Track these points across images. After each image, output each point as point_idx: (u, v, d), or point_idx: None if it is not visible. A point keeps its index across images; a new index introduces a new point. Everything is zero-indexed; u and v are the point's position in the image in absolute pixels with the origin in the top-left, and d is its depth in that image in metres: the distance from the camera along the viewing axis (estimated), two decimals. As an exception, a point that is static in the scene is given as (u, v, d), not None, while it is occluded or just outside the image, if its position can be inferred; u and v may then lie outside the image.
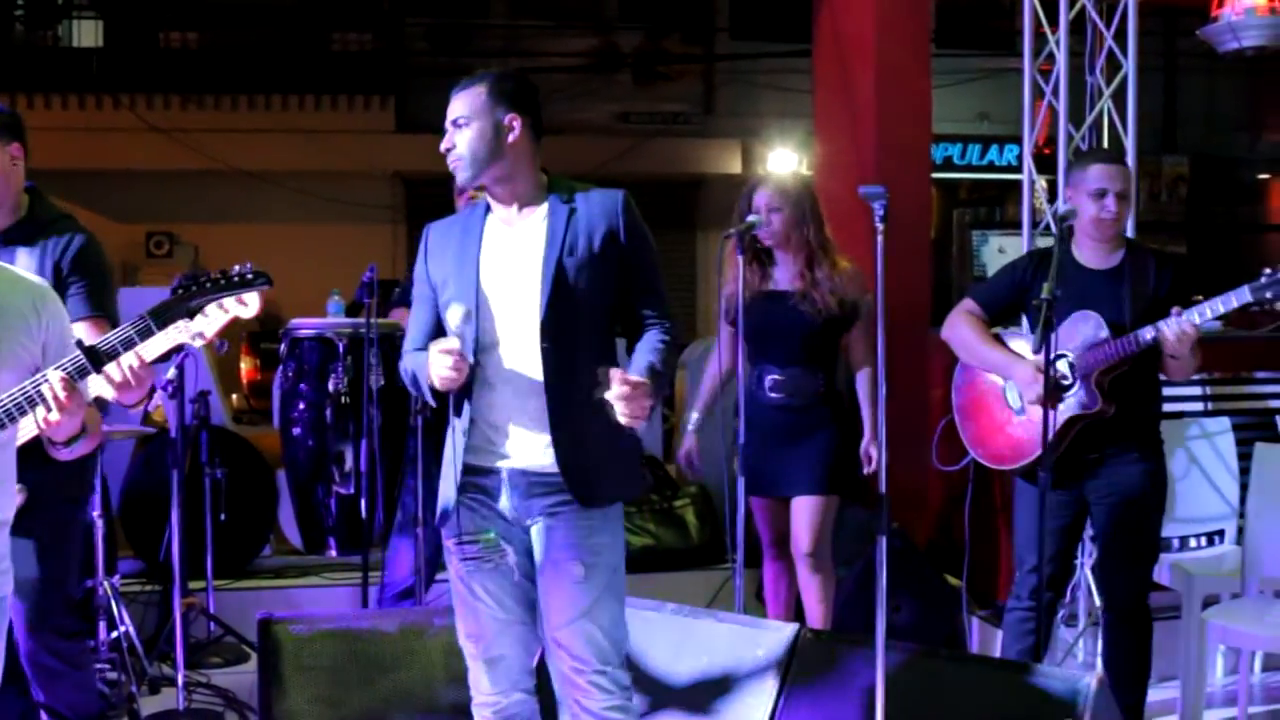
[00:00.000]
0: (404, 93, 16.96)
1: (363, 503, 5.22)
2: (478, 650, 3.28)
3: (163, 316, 2.89)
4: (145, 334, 2.87)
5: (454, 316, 3.13)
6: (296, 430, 5.75)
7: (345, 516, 5.73)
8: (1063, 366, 4.18)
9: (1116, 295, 4.16)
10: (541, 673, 3.36)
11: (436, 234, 3.39)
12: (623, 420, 3.02)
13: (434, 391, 3.18)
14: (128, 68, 16.38)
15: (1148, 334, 4.01)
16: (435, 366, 3.08)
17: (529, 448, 3.18)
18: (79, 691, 3.91)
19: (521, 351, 3.17)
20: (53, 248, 3.79)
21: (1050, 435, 4.00)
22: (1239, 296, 3.91)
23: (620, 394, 3.00)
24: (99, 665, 4.67)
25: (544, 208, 3.25)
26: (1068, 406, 4.16)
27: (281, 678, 4.07)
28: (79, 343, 2.83)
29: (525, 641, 3.29)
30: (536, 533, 3.21)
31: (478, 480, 3.23)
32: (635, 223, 3.28)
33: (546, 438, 3.16)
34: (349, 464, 5.52)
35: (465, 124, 3.21)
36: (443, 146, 3.24)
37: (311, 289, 5.81)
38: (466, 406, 3.19)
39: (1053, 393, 4.04)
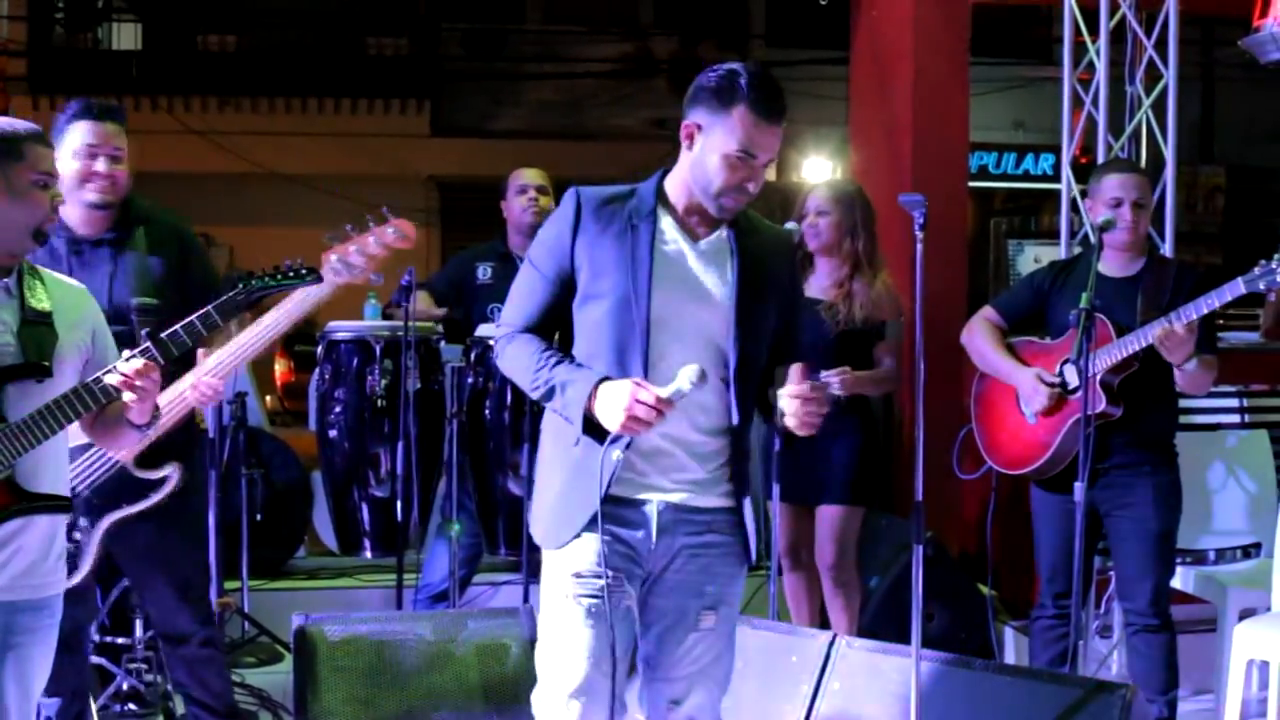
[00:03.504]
0: (439, 97, 17.04)
1: (398, 505, 5.25)
2: (560, 679, 2.98)
3: (225, 309, 3.05)
4: (209, 324, 3.03)
5: (685, 376, 2.74)
6: (333, 433, 5.78)
7: (380, 519, 5.76)
8: (1068, 372, 4.21)
9: (1131, 301, 4.18)
10: None
11: (592, 209, 2.97)
12: (791, 424, 2.83)
13: (587, 421, 2.82)
14: (166, 70, 16.53)
15: (1153, 329, 3.98)
16: (622, 409, 2.74)
17: (688, 483, 2.94)
18: (223, 679, 4.11)
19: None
20: (167, 251, 4.20)
21: (1058, 440, 4.17)
22: (1232, 289, 3.91)
23: (801, 392, 2.81)
24: (135, 665, 4.71)
25: (725, 232, 3.00)
26: (1073, 409, 4.17)
27: (316, 678, 4.09)
28: (149, 333, 2.95)
29: (608, 678, 2.97)
30: (671, 571, 2.97)
31: (617, 511, 2.91)
32: (797, 271, 3.14)
33: (707, 476, 2.95)
34: (385, 466, 5.55)
35: (769, 163, 3.02)
36: (753, 185, 2.98)
37: (346, 292, 5.84)
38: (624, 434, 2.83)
39: (1059, 400, 4.19)
